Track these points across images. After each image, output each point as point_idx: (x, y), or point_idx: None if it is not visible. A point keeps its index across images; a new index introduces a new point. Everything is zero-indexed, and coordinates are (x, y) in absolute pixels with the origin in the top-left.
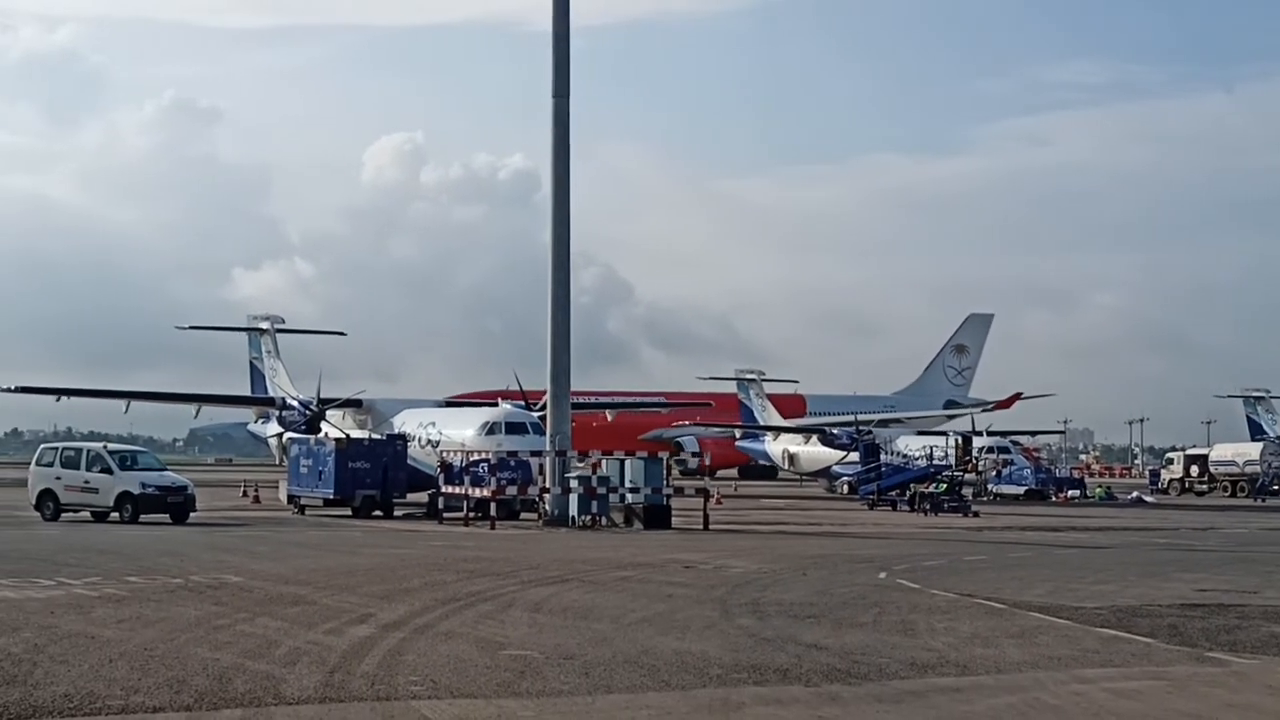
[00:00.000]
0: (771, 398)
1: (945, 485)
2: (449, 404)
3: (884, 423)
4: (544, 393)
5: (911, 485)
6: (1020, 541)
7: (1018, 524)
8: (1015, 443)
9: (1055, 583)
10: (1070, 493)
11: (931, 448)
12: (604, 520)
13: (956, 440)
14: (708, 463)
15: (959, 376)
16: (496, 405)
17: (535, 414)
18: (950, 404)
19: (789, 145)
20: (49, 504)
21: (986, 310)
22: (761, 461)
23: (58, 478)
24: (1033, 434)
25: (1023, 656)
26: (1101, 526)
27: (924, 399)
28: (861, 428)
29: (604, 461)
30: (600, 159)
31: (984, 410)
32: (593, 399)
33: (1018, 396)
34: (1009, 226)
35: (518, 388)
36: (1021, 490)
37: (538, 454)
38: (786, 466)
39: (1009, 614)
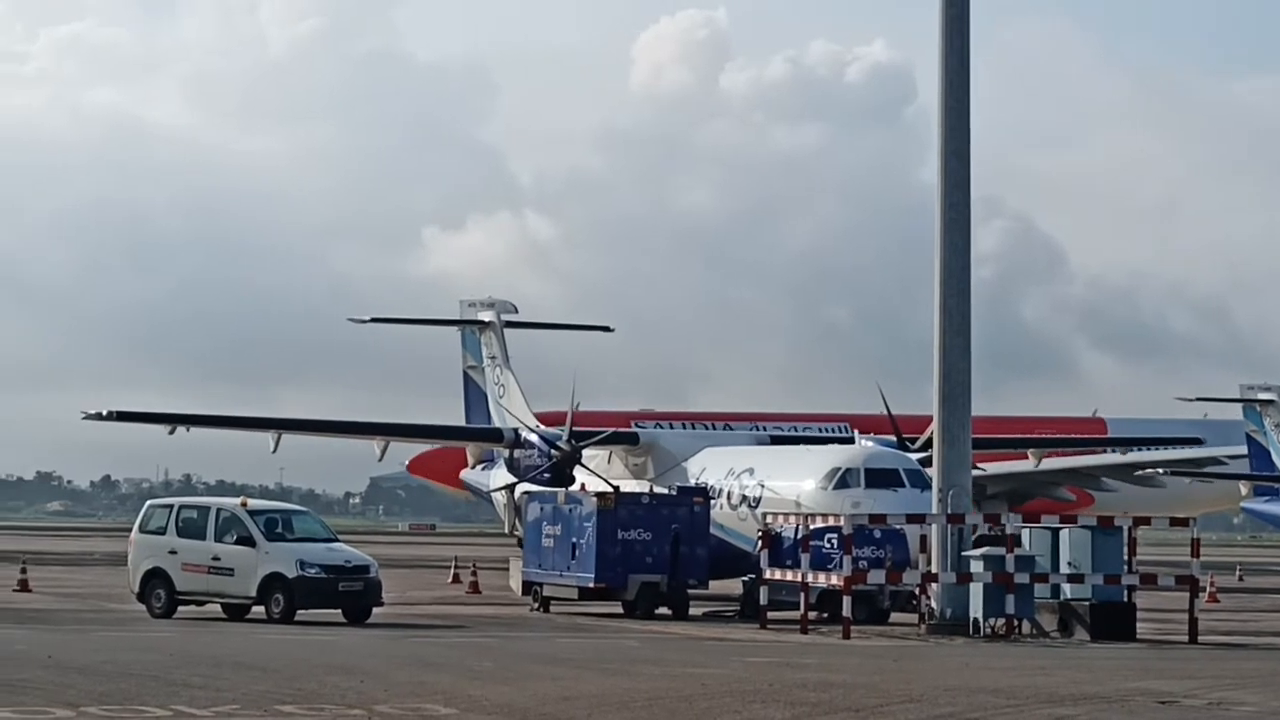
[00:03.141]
0: (1060, 421)
1: None
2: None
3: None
4: (926, 421)
5: None
6: None
7: None
8: None
9: None
10: None
11: None
12: (1025, 626)
13: None
14: None
15: None
16: (851, 441)
17: (914, 455)
18: None
19: None
20: (159, 591)
21: None
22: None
23: (172, 552)
24: None
25: None
26: None
27: None
28: None
29: (1026, 532)
30: (1010, 48)
31: None
32: (1000, 435)
33: None
34: None
35: (885, 411)
36: None
37: (918, 519)
38: None
39: None
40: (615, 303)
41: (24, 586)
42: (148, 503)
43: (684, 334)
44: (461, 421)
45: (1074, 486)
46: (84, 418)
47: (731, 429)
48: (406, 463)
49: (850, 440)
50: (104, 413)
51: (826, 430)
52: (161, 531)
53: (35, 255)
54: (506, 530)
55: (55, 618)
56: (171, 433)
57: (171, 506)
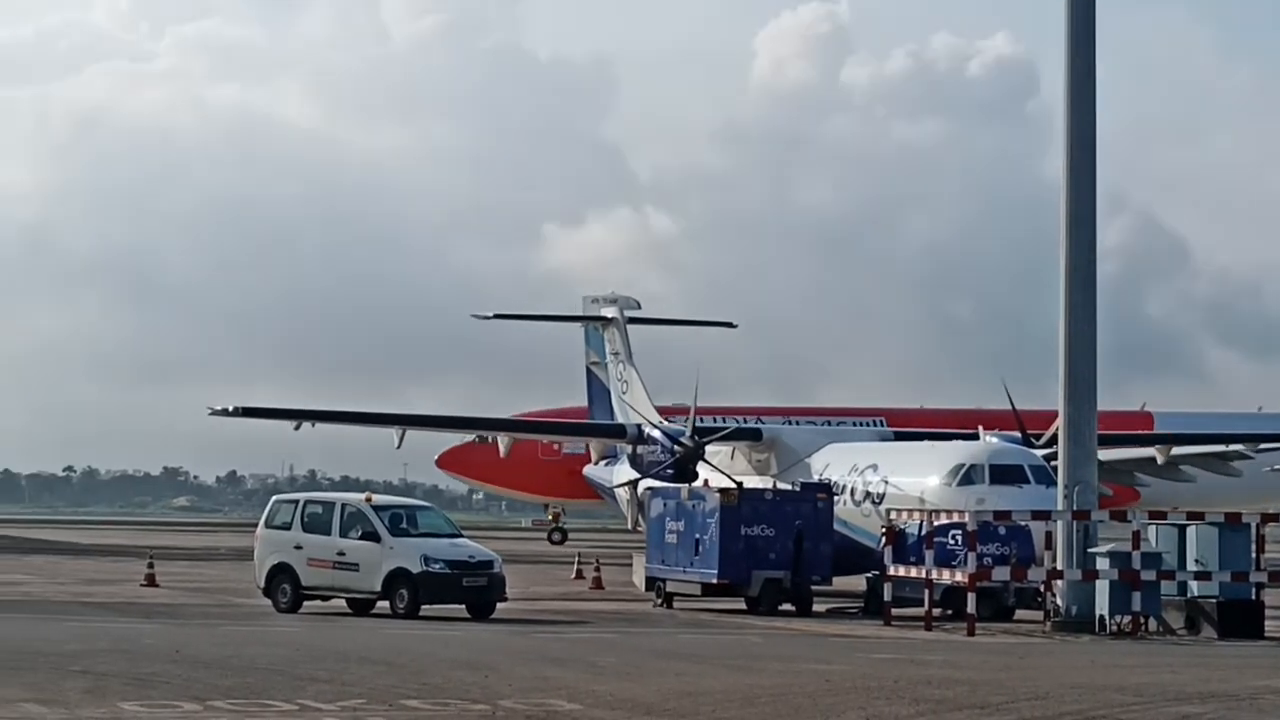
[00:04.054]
0: (1105, 416)
1: None
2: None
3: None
4: (1050, 416)
5: None
6: None
7: None
8: None
9: None
10: None
11: None
12: (1152, 623)
13: None
14: None
15: None
16: (977, 437)
17: (1038, 451)
18: None
19: None
20: (285, 586)
21: None
22: None
23: (298, 546)
24: None
25: None
26: None
27: None
28: None
29: (1150, 529)
30: (1134, 39)
31: None
32: (1122, 432)
33: None
34: None
35: (1009, 407)
36: None
37: (1043, 516)
38: None
39: None
40: (736, 298)
41: (151, 581)
42: (273, 498)
43: (806, 329)
44: (584, 417)
45: (1110, 482)
46: (211, 414)
47: (763, 422)
48: (436, 458)
49: (976, 436)
50: (230, 409)
51: (860, 424)
52: (287, 527)
53: (162, 251)
54: (629, 526)
55: (182, 612)
56: (297, 428)
57: (297, 502)
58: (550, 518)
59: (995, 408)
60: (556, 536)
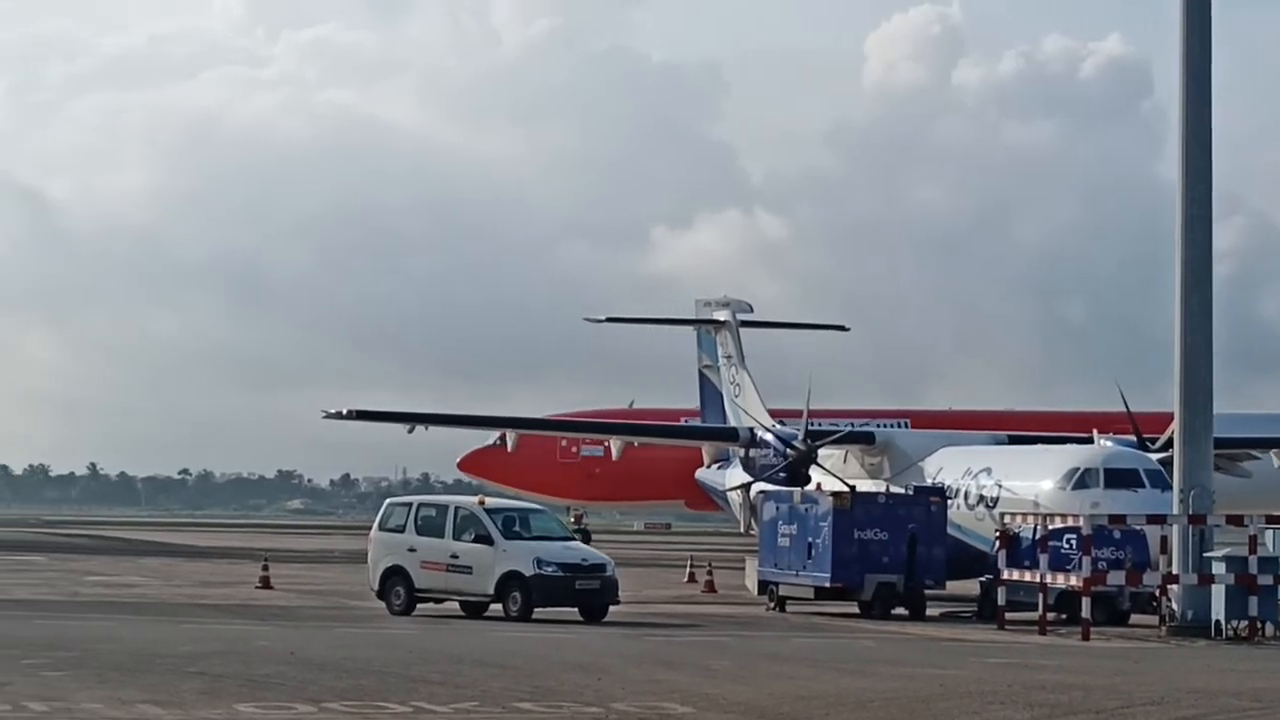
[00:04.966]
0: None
1: None
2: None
3: None
4: (1166, 419)
5: None
6: None
7: None
8: None
9: None
10: None
11: None
12: (1268, 629)
13: None
14: None
15: None
16: (1092, 440)
17: (1154, 455)
18: None
19: None
20: (399, 589)
21: None
22: None
23: (411, 549)
24: None
25: None
26: None
27: None
28: None
29: (1267, 533)
30: (1250, 39)
31: None
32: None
33: None
34: None
35: (1124, 409)
36: None
37: (1158, 520)
38: None
39: None
40: (847, 301)
41: (266, 584)
42: (387, 501)
43: (918, 332)
44: (695, 420)
45: None
46: (324, 417)
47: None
48: (458, 460)
49: (1090, 439)
50: (344, 412)
51: (884, 426)
52: (401, 529)
53: (276, 255)
54: (741, 529)
55: (297, 614)
56: (410, 431)
57: (410, 505)
58: (571, 519)
59: (1034, 409)
60: (578, 539)
